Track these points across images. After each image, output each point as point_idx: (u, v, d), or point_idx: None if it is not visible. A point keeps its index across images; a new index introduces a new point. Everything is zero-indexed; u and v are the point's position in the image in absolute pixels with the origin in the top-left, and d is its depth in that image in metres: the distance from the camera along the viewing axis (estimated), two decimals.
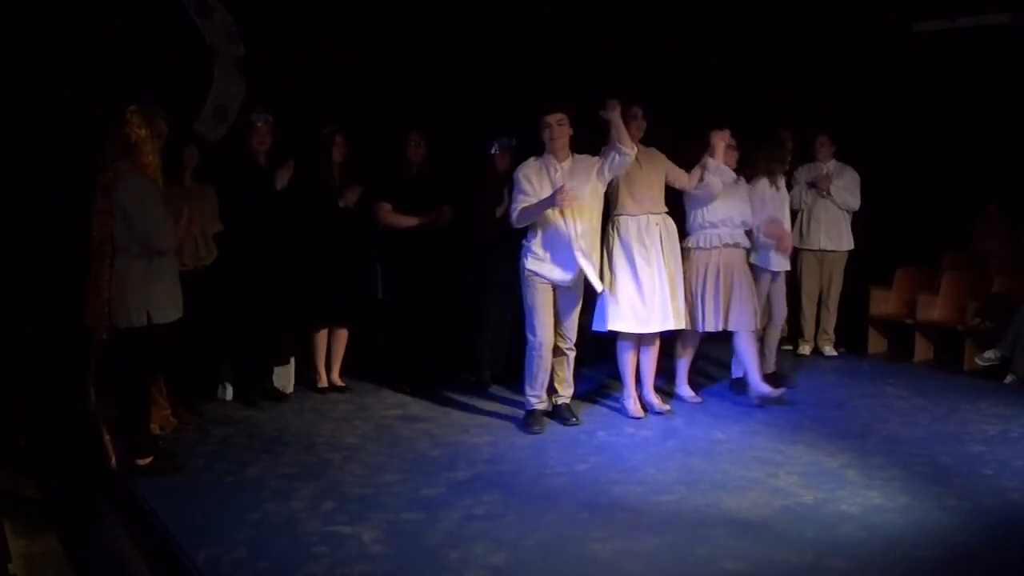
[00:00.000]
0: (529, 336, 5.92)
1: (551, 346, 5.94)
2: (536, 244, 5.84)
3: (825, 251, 7.97)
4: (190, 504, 4.58)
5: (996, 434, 5.93)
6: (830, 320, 8.11)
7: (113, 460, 5.08)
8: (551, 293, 5.89)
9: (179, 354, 5.50)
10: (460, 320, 7.16)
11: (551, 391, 6.13)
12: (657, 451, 5.52)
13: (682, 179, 6.31)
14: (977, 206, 8.44)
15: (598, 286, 5.88)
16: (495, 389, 6.90)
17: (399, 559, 4.01)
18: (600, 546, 4.15)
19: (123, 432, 5.10)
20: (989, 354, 7.27)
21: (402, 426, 6.00)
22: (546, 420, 6.01)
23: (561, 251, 5.78)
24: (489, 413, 6.30)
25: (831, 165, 7.98)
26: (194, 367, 6.11)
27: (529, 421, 5.93)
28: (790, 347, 8.32)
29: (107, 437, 5.13)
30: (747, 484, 4.96)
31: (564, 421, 6.03)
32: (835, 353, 8.07)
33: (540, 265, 5.83)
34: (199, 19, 7.09)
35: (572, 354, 6.11)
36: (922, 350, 7.98)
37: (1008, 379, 7.18)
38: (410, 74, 7.69)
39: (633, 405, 6.25)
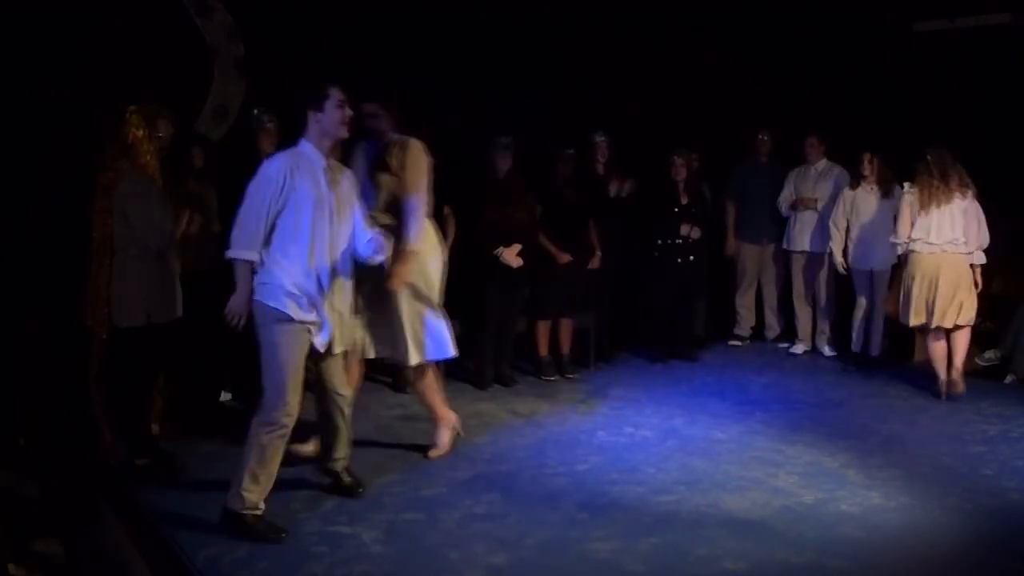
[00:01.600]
0: (272, 404, 4.19)
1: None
2: (286, 274, 4.20)
3: (813, 253, 8.02)
4: (190, 504, 4.58)
5: (996, 434, 5.93)
6: (827, 320, 8.14)
7: (113, 460, 5.08)
8: (308, 345, 4.30)
9: (179, 354, 5.50)
10: (461, 320, 7.15)
11: (327, 456, 4.73)
12: (657, 451, 5.52)
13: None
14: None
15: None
16: (495, 389, 6.90)
17: (399, 559, 4.01)
18: (600, 546, 4.16)
19: (123, 432, 5.11)
20: (989, 354, 7.27)
21: (402, 426, 5.99)
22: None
23: (312, 291, 4.27)
24: (489, 413, 6.30)
25: (820, 165, 8.03)
26: (194, 367, 6.11)
27: (257, 528, 4.22)
28: (785, 345, 8.36)
29: (108, 437, 5.13)
30: (747, 484, 4.96)
31: (351, 492, 4.71)
32: (834, 352, 8.08)
33: (296, 309, 4.20)
34: (199, 19, 7.09)
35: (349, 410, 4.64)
36: (922, 350, 7.96)
37: (1008, 379, 7.19)
38: (410, 74, 7.69)
39: (446, 436, 5.41)
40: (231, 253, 4.23)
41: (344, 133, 4.35)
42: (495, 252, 6.72)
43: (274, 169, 4.18)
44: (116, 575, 4.12)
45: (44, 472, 5.25)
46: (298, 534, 4.23)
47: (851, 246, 7.63)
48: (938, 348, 6.80)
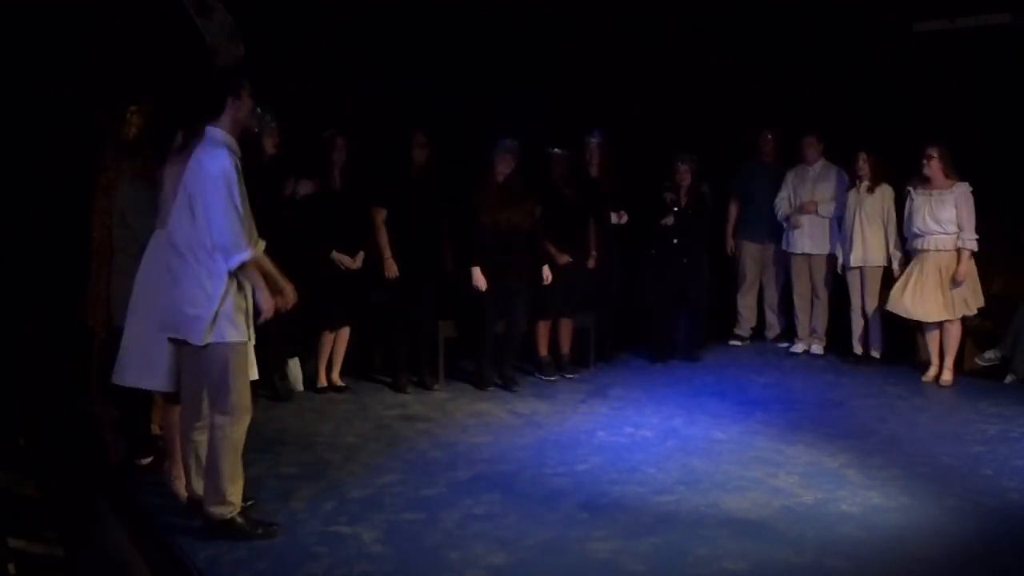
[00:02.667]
0: (229, 413, 4.08)
1: None
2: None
3: (811, 255, 8.05)
4: (190, 504, 4.57)
5: (996, 434, 5.93)
6: (819, 320, 8.14)
7: (113, 460, 5.08)
8: None
9: None
10: (462, 321, 7.15)
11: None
12: (657, 451, 5.52)
13: None
14: (977, 206, 8.45)
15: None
16: (495, 389, 6.90)
17: (399, 559, 4.01)
18: (600, 546, 4.16)
19: (123, 431, 5.11)
20: (989, 354, 7.27)
21: (402, 426, 5.99)
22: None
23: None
24: (489, 413, 6.30)
25: (818, 166, 8.05)
26: None
27: (248, 529, 4.17)
28: (784, 345, 8.35)
29: (108, 437, 5.13)
30: (747, 484, 4.96)
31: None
32: (821, 351, 8.09)
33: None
34: (199, 19, 7.09)
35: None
36: (925, 350, 7.97)
37: (1008, 379, 7.18)
38: (410, 74, 7.70)
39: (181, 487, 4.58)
40: (240, 259, 3.97)
41: (253, 124, 4.25)
42: (472, 268, 6.68)
43: (230, 164, 3.97)
44: (116, 575, 4.12)
45: (44, 472, 5.25)
46: (298, 534, 4.22)
47: (845, 245, 7.67)
48: None
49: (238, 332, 4.08)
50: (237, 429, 4.12)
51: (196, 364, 4.14)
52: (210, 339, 4.03)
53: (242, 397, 4.13)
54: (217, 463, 4.12)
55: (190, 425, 4.28)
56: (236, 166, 4.00)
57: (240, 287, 4.09)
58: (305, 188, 6.37)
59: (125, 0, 6.73)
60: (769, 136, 8.37)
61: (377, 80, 7.66)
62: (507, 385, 6.92)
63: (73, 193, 5.57)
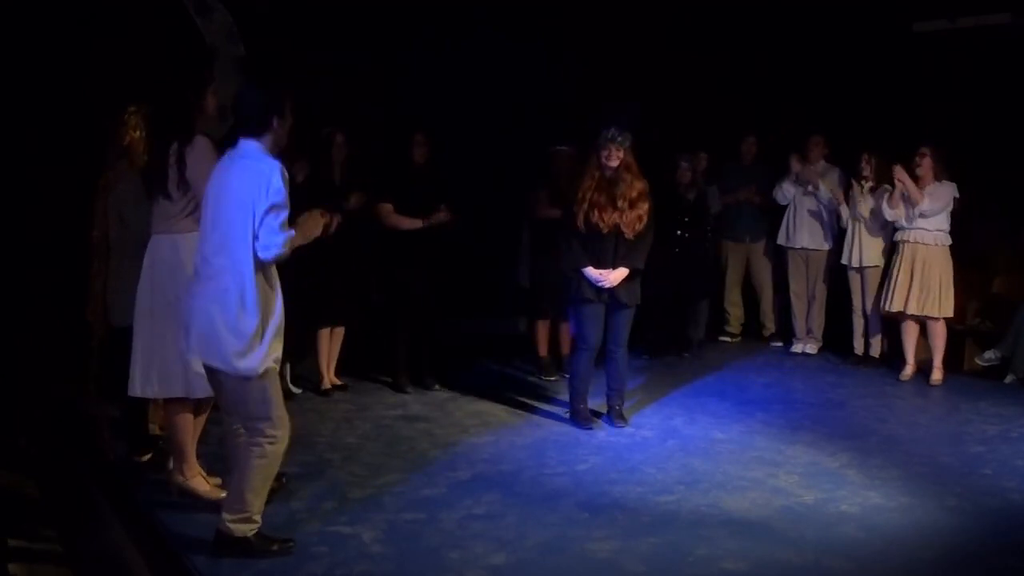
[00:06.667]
0: (273, 432, 3.91)
1: None
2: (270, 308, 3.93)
3: (808, 250, 8.05)
4: (190, 504, 4.57)
5: (996, 434, 5.93)
6: (816, 320, 8.14)
7: (110, 459, 5.09)
8: None
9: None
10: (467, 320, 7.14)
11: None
12: (657, 451, 5.52)
13: None
14: (977, 206, 8.46)
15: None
16: (497, 389, 6.89)
17: (399, 559, 4.01)
18: (600, 546, 4.16)
19: (122, 430, 5.11)
20: (989, 354, 7.27)
21: (402, 426, 5.99)
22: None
23: None
24: (489, 413, 6.29)
25: (820, 166, 8.05)
26: None
27: (266, 547, 4.00)
28: (780, 344, 8.35)
29: (105, 436, 5.14)
30: (747, 484, 4.96)
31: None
32: (814, 351, 8.09)
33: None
34: (199, 19, 7.10)
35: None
36: (924, 348, 7.97)
37: (1008, 379, 7.19)
38: (409, 75, 7.70)
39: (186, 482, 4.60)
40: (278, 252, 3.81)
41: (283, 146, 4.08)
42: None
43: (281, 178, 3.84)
44: (115, 575, 4.12)
45: (44, 472, 5.25)
46: (298, 534, 4.22)
47: (845, 245, 7.67)
48: None
49: (274, 355, 3.86)
50: (279, 446, 3.93)
51: (234, 391, 3.91)
52: (251, 371, 3.80)
53: (281, 407, 3.94)
54: (248, 475, 3.89)
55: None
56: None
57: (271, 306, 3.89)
58: (300, 171, 6.26)
59: (125, 1, 6.74)
60: (750, 139, 8.41)
61: (377, 80, 7.68)
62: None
63: (73, 193, 5.57)
